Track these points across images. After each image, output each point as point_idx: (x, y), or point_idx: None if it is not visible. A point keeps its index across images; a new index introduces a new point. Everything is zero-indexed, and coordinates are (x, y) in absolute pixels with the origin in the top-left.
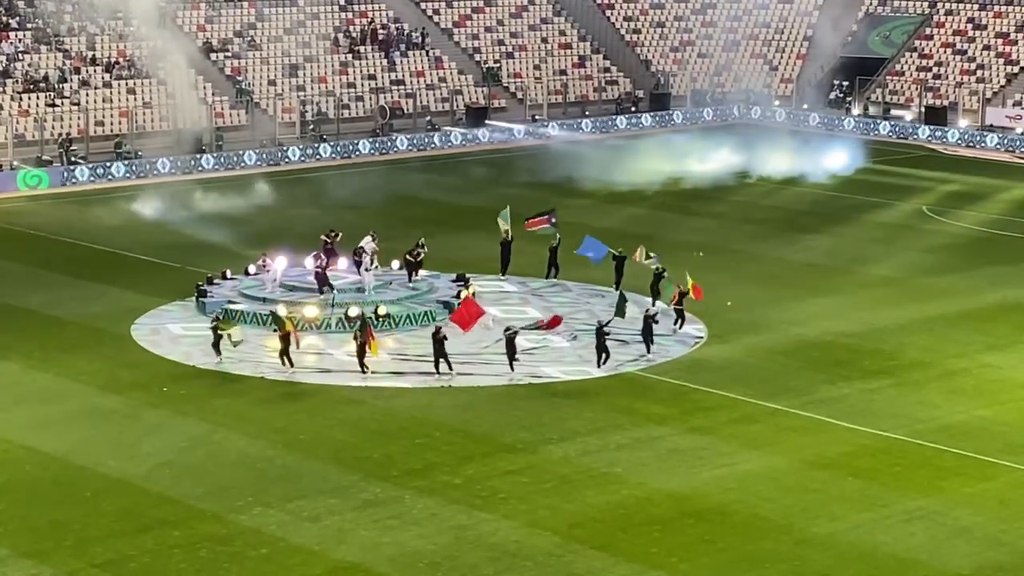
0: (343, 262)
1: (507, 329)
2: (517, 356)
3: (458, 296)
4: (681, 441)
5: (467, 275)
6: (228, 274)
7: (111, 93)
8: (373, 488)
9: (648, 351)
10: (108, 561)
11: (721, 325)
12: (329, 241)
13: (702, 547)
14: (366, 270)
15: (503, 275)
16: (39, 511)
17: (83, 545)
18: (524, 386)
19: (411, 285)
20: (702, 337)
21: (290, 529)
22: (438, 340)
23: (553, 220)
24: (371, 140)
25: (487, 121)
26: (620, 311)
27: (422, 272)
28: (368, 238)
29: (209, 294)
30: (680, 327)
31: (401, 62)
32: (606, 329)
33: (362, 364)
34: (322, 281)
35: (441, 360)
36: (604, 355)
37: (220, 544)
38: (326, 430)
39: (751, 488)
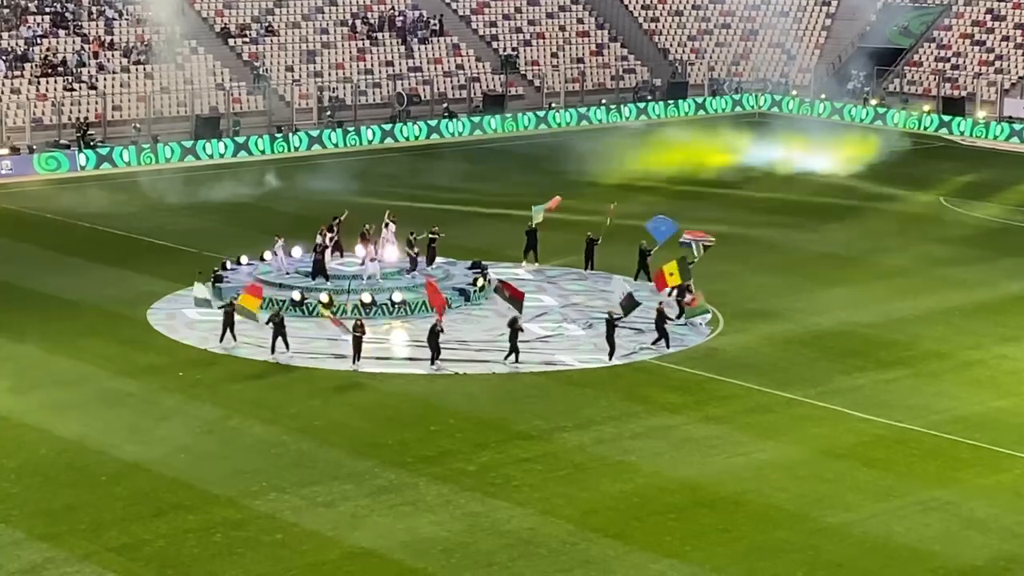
0: (360, 249)
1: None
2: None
3: (474, 283)
4: (696, 430)
5: (483, 262)
6: (243, 260)
7: (129, 78)
8: (387, 474)
9: (665, 344)
10: (123, 545)
11: (737, 314)
12: (335, 229)
13: (716, 536)
14: (371, 259)
15: (529, 261)
16: (54, 494)
17: (98, 529)
18: (539, 374)
19: (427, 272)
20: (717, 326)
21: (304, 514)
22: (434, 332)
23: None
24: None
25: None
26: (628, 310)
27: (438, 259)
28: (388, 223)
29: (225, 279)
30: (678, 318)
31: (419, 49)
32: (615, 322)
33: (356, 354)
34: (320, 269)
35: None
36: (611, 347)
37: (234, 529)
38: (341, 416)
39: (765, 477)
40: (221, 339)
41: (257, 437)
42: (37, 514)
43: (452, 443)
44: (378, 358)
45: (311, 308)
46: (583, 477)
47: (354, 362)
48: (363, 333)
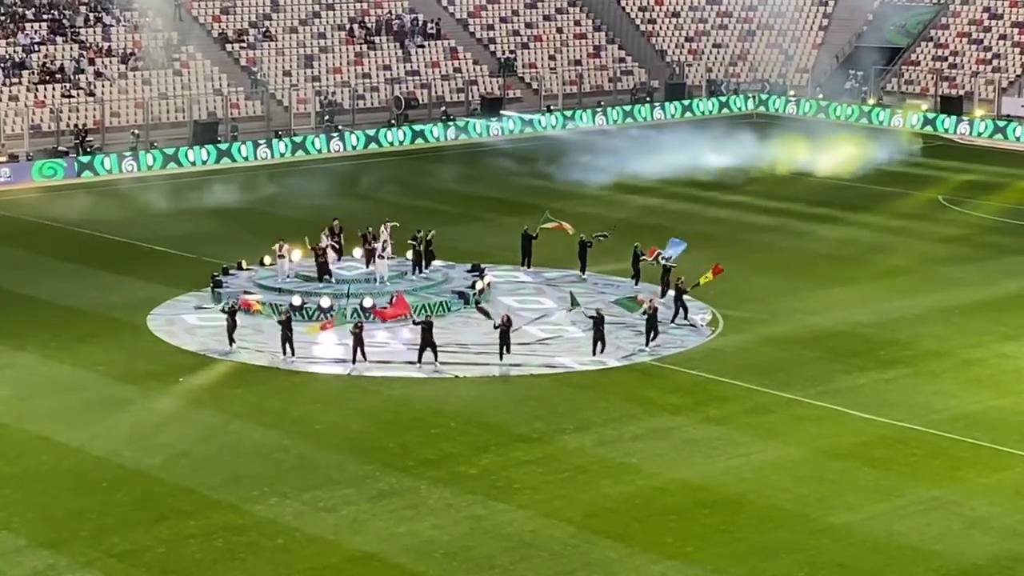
0: (357, 251)
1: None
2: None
3: (473, 286)
4: (696, 431)
5: (482, 265)
6: (243, 264)
7: (127, 84)
8: (388, 478)
9: (647, 343)
10: (124, 551)
11: (736, 315)
12: (337, 232)
13: (717, 537)
14: (380, 258)
15: (526, 267)
16: (56, 501)
17: (99, 535)
18: (539, 376)
19: (425, 275)
20: (717, 327)
21: (306, 519)
22: (426, 330)
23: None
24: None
25: (502, 111)
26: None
27: (436, 262)
28: (383, 227)
29: (225, 284)
30: (674, 320)
31: (416, 52)
32: (594, 315)
33: (355, 355)
34: (324, 271)
35: (427, 349)
36: (601, 344)
37: (236, 534)
38: (341, 420)
39: (766, 478)
40: (231, 344)
41: (258, 442)
42: (39, 521)
43: (453, 446)
44: (378, 361)
45: (311, 312)
46: (584, 479)
47: (354, 362)
48: (361, 330)
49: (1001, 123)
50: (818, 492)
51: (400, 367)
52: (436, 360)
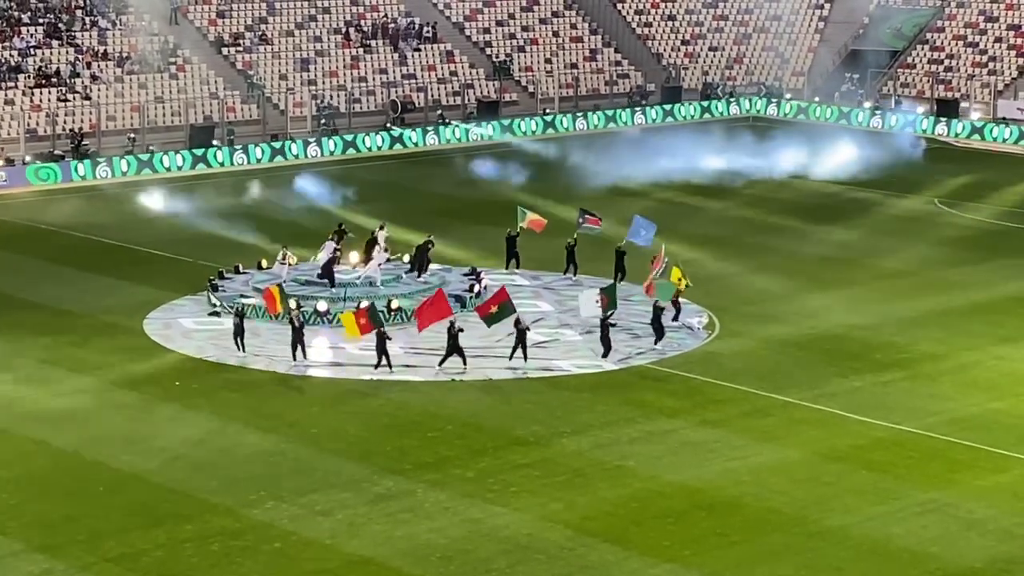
0: (354, 255)
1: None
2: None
3: (470, 289)
4: (693, 434)
5: (479, 269)
6: (240, 268)
7: (122, 88)
8: (386, 482)
9: (657, 342)
10: (120, 555)
11: (733, 318)
12: (340, 235)
13: (714, 540)
14: (380, 265)
15: (509, 269)
16: (52, 505)
17: (95, 539)
18: (536, 380)
19: (422, 279)
20: (714, 330)
21: (303, 523)
22: (453, 335)
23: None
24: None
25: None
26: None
27: (432, 266)
28: (379, 231)
29: (221, 288)
30: (674, 319)
31: (412, 56)
32: (610, 321)
33: (379, 360)
34: (329, 275)
35: (454, 354)
36: (606, 347)
37: (232, 538)
38: (338, 424)
39: (763, 481)
40: (241, 349)
41: (254, 446)
42: (35, 525)
43: (450, 450)
44: (375, 365)
45: (307, 315)
46: (581, 482)
47: (377, 367)
48: (389, 338)
49: (979, 124)
50: (815, 495)
51: (398, 370)
52: (464, 365)
